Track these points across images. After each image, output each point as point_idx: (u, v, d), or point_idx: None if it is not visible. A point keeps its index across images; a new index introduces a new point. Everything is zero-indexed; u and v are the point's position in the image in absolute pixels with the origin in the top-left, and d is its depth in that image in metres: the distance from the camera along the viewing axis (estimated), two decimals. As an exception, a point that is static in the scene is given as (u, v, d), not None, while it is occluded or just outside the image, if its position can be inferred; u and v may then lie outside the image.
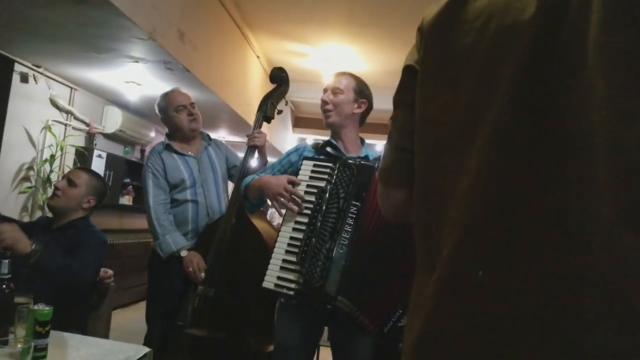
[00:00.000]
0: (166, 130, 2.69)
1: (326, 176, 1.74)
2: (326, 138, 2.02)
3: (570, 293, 0.59)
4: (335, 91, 1.98)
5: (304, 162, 1.83)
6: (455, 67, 0.74)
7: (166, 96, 2.62)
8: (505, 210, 0.66)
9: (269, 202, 1.92)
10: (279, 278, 1.67)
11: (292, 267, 1.67)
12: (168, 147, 2.55)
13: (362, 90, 2.02)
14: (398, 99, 0.88)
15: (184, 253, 2.34)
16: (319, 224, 1.67)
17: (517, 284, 0.63)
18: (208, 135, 2.73)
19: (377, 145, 8.70)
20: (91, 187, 2.22)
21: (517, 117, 0.65)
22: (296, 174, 1.84)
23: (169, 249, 2.35)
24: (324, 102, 1.98)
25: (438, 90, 0.77)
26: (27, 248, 1.85)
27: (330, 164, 1.76)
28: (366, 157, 1.92)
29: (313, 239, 1.66)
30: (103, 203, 2.28)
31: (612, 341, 0.57)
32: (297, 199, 1.74)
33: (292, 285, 1.64)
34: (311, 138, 7.90)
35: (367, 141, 2.10)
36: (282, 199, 1.76)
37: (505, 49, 0.68)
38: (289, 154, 2.02)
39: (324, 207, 1.69)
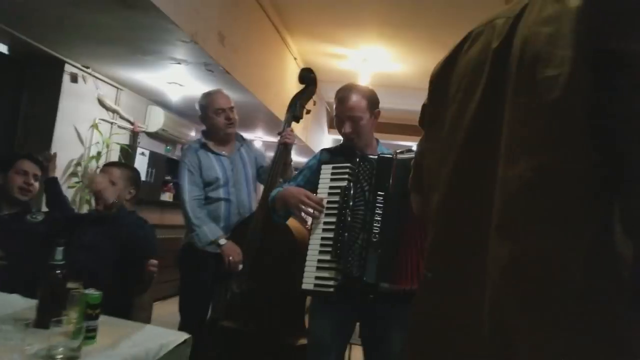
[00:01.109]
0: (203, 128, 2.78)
1: (346, 176, 1.81)
2: None
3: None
4: (352, 119, 1.96)
5: (323, 167, 1.90)
6: (443, 112, 0.97)
7: (208, 96, 2.70)
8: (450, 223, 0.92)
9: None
10: (317, 278, 1.75)
11: (328, 265, 1.75)
12: (204, 146, 2.65)
13: (373, 102, 2.01)
14: (420, 124, 1.11)
15: (222, 241, 2.42)
16: (348, 218, 1.75)
17: (454, 283, 0.89)
18: (241, 136, 2.81)
19: (413, 146, 8.67)
20: (128, 179, 2.32)
21: (464, 160, 0.90)
22: (318, 178, 1.91)
23: (206, 239, 2.44)
24: (347, 135, 1.97)
25: (432, 127, 1.02)
26: (112, 198, 2.15)
27: (348, 164, 1.83)
28: (383, 154, 1.97)
29: (345, 234, 1.74)
30: (145, 199, 2.40)
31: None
32: (317, 204, 1.81)
33: (331, 283, 1.72)
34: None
35: (399, 142, 2.14)
36: (303, 207, 1.84)
37: (467, 103, 0.91)
38: (308, 163, 2.09)
39: (350, 203, 1.77)
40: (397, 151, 2.04)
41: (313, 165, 2.03)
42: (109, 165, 2.47)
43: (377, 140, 2.12)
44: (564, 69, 0.72)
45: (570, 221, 0.72)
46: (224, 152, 2.66)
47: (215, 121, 2.64)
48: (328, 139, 8.41)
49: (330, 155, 2.02)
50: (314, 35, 5.38)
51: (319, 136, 7.84)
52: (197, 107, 2.73)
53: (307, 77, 2.48)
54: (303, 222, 2.39)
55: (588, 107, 0.71)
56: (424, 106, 1.07)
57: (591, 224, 0.70)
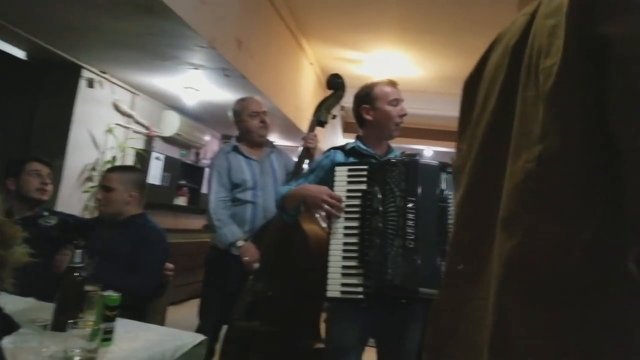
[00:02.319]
0: (221, 133, 2.82)
1: (365, 178, 1.78)
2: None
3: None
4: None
5: (337, 168, 1.85)
6: (470, 115, 0.99)
7: (242, 101, 2.78)
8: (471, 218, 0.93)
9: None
10: (343, 285, 1.71)
11: (355, 271, 1.71)
12: (235, 149, 2.70)
13: None
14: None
15: (240, 243, 2.45)
16: (380, 224, 1.71)
17: (469, 280, 0.89)
18: (272, 143, 2.85)
19: (425, 150, 8.63)
20: (126, 182, 2.29)
21: (482, 157, 0.92)
22: (330, 180, 1.88)
23: (226, 240, 2.48)
24: (404, 115, 1.98)
25: (461, 129, 1.04)
26: (111, 206, 2.23)
27: (366, 167, 1.79)
28: (396, 157, 1.96)
29: (377, 240, 1.70)
30: (159, 204, 2.40)
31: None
32: (339, 204, 1.78)
33: (360, 289, 1.69)
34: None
35: (418, 147, 2.14)
36: (326, 206, 1.79)
37: (487, 104, 0.93)
38: (319, 162, 2.04)
39: (380, 208, 1.73)
40: (405, 153, 2.04)
41: (326, 165, 1.99)
42: (107, 171, 2.48)
43: (389, 144, 2.10)
44: (558, 56, 0.73)
45: (571, 211, 0.72)
46: (254, 157, 2.71)
47: (249, 124, 2.69)
48: (342, 143, 8.39)
49: (345, 155, 1.99)
50: (330, 40, 5.39)
51: (333, 140, 7.83)
52: (230, 113, 2.80)
53: (335, 82, 2.48)
54: (317, 222, 2.38)
55: (585, 92, 0.71)
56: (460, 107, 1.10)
57: (593, 213, 0.70)
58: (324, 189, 1.84)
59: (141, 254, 2.14)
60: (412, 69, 5.82)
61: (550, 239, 0.72)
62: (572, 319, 0.70)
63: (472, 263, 0.90)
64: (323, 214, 1.88)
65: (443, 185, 1.76)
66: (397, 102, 1.97)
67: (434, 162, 1.83)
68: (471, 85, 1.02)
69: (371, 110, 1.99)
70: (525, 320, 0.73)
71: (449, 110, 7.61)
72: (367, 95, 2.01)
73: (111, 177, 2.31)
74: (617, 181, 0.68)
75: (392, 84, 2.03)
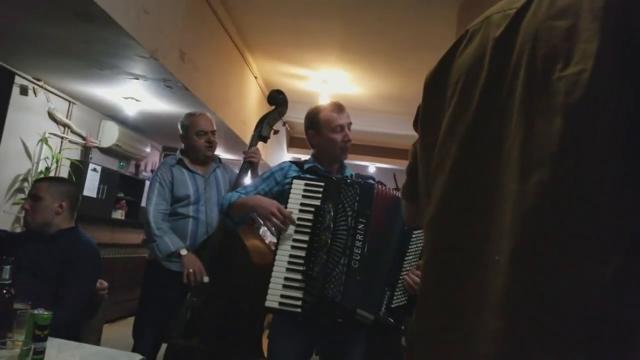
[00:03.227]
0: (162, 145, 2.76)
1: (320, 195, 1.80)
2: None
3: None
4: (349, 127, 2.03)
5: (295, 181, 1.86)
6: (438, 117, 0.88)
7: (192, 117, 2.70)
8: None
9: (260, 219, 1.97)
10: (282, 296, 1.71)
11: (297, 284, 1.71)
12: (180, 162, 2.64)
13: None
14: (414, 128, 1.02)
15: (184, 252, 2.37)
16: (329, 241, 1.73)
17: (448, 302, 0.79)
18: (219, 158, 2.82)
19: (369, 167, 8.81)
20: (55, 192, 2.19)
21: (461, 169, 0.81)
22: (283, 193, 1.90)
23: (167, 249, 2.39)
24: (348, 140, 2.01)
25: (425, 134, 0.94)
26: (38, 217, 2.13)
27: (322, 183, 1.82)
28: (351, 177, 2.00)
29: (324, 256, 1.71)
30: (96, 217, 2.31)
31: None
32: (289, 220, 1.79)
33: (298, 303, 1.69)
34: (306, 158, 7.97)
35: (360, 163, 2.18)
36: (275, 220, 1.80)
37: (464, 106, 0.82)
38: (272, 172, 2.03)
39: (331, 225, 1.74)
40: (359, 174, 2.09)
41: (278, 177, 1.99)
42: (37, 180, 2.39)
43: (342, 163, 2.12)
44: (588, 64, 0.63)
45: (595, 244, 0.63)
46: (199, 171, 2.66)
47: (195, 142, 2.64)
48: (287, 158, 8.43)
49: (300, 171, 1.99)
50: (275, 56, 5.44)
51: (279, 155, 7.86)
52: (179, 126, 2.73)
53: (277, 98, 2.49)
54: (258, 236, 2.38)
55: (618, 109, 0.62)
56: (418, 108, 0.98)
57: (618, 243, 0.62)
58: (275, 202, 1.84)
59: (69, 273, 2.04)
60: (353, 86, 5.96)
61: (580, 273, 0.63)
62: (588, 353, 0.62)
63: (448, 285, 0.80)
64: (272, 228, 1.87)
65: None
66: (341, 128, 1.99)
67: (393, 192, 1.86)
68: (435, 83, 0.92)
69: (317, 135, 2.02)
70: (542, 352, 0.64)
71: (390, 128, 7.89)
72: (312, 121, 2.04)
73: (40, 185, 2.21)
74: None
75: (339, 108, 2.04)
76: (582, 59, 0.64)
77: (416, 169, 0.97)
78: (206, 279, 2.24)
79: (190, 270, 2.28)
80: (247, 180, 2.50)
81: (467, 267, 0.77)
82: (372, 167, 8.59)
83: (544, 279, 0.65)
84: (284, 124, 2.57)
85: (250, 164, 2.45)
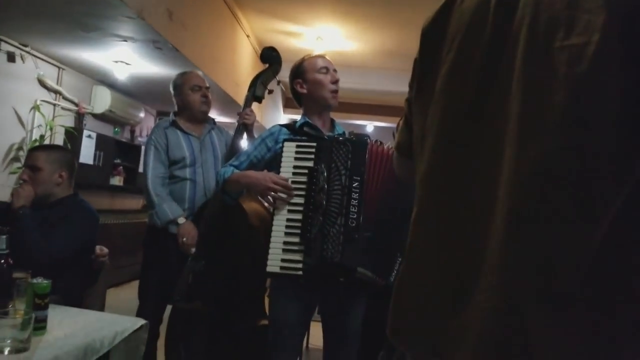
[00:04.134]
0: (156, 110, 2.71)
1: (312, 155, 1.77)
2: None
3: None
4: (335, 70, 2.00)
5: (286, 144, 1.82)
6: (434, 72, 0.86)
7: (184, 74, 2.67)
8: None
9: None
10: (283, 260, 1.70)
11: (296, 247, 1.70)
12: (174, 124, 2.60)
13: None
14: (410, 84, 0.99)
15: (181, 220, 2.37)
16: (324, 202, 1.70)
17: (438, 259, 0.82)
18: (213, 120, 2.77)
19: (367, 126, 8.73)
20: (54, 161, 2.16)
21: (459, 131, 0.81)
22: (275, 158, 1.86)
23: (165, 217, 2.39)
24: (337, 82, 1.97)
25: (421, 88, 0.91)
26: (38, 188, 2.09)
27: (314, 144, 1.78)
28: (343, 134, 1.96)
29: (320, 217, 1.69)
30: (94, 184, 2.28)
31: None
32: (286, 188, 1.76)
33: (299, 265, 1.68)
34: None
35: (358, 122, 2.14)
36: (272, 193, 1.77)
37: (464, 64, 0.81)
38: (263, 139, 1.99)
39: (325, 186, 1.72)
40: (353, 132, 2.04)
41: (269, 142, 1.95)
42: (32, 149, 2.31)
43: (333, 120, 2.09)
44: (593, 37, 0.63)
45: (591, 210, 0.65)
46: (193, 133, 2.62)
47: (190, 98, 2.60)
48: (284, 119, 8.34)
49: (291, 133, 1.95)
50: (267, 12, 5.28)
51: (274, 116, 7.76)
52: (171, 87, 2.68)
53: (270, 55, 2.41)
54: (257, 199, 2.36)
55: (622, 84, 0.63)
56: (414, 62, 0.96)
57: (610, 210, 0.64)
58: (267, 175, 1.81)
59: (65, 224, 2.05)
60: (351, 42, 5.81)
61: (576, 238, 0.65)
62: (599, 332, 0.65)
63: (444, 247, 0.81)
64: (272, 201, 1.83)
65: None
66: (326, 69, 1.98)
67: (390, 148, 1.81)
68: (432, 35, 0.89)
69: (304, 83, 2.00)
70: (540, 320, 0.66)
71: (388, 85, 7.75)
72: (297, 70, 2.02)
73: (37, 155, 2.16)
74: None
75: (321, 55, 2.06)
76: (586, 31, 0.64)
77: (411, 123, 0.96)
78: (192, 250, 2.26)
79: (184, 239, 2.30)
80: (244, 142, 2.46)
81: (460, 224, 0.78)
82: (370, 126, 8.50)
83: (537, 239, 0.67)
84: (278, 83, 2.50)
85: (245, 125, 2.40)
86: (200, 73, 2.74)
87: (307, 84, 1.99)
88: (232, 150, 2.37)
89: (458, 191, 0.80)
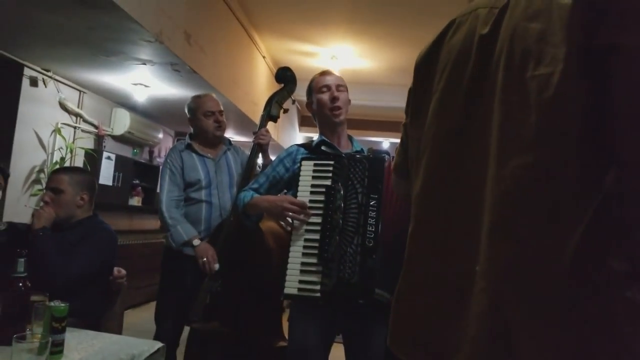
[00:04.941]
0: (174, 130, 2.74)
1: (330, 174, 1.74)
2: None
3: None
4: (339, 88, 1.99)
5: (303, 163, 1.81)
6: (426, 100, 0.96)
7: (198, 98, 2.69)
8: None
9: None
10: (300, 282, 1.67)
11: (314, 268, 1.66)
12: (189, 147, 2.62)
13: (347, 89, 2.06)
14: (406, 111, 1.08)
15: (196, 242, 2.36)
16: (340, 221, 1.68)
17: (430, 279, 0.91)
18: (229, 140, 2.79)
19: (383, 142, 8.71)
20: (76, 184, 2.18)
21: (448, 153, 0.90)
22: (294, 178, 1.84)
23: (180, 239, 2.39)
24: (335, 99, 1.96)
25: (416, 114, 1.01)
26: (60, 211, 2.11)
27: (332, 162, 1.76)
28: (361, 151, 1.94)
29: (337, 237, 1.66)
30: (113, 205, 2.29)
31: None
32: (303, 210, 1.73)
33: (317, 287, 1.64)
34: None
35: (374, 139, 2.12)
36: (290, 214, 1.74)
37: (452, 92, 0.90)
38: (281, 159, 1.98)
39: (342, 205, 1.69)
40: (371, 148, 2.03)
41: (287, 163, 1.96)
42: (55, 172, 2.33)
43: (351, 137, 2.08)
44: (557, 67, 0.72)
45: (563, 218, 0.73)
46: (209, 155, 2.64)
47: (204, 123, 2.62)
48: (299, 137, 8.37)
49: (309, 152, 1.94)
50: (283, 33, 5.34)
51: (290, 134, 7.80)
52: (186, 110, 2.72)
53: (285, 75, 2.43)
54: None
55: (582, 105, 0.71)
56: (409, 91, 1.05)
57: (583, 219, 0.71)
58: (284, 198, 1.80)
59: (83, 245, 2.05)
60: (364, 61, 5.84)
61: (547, 244, 0.73)
62: (565, 312, 0.71)
63: (439, 259, 0.89)
64: (291, 222, 1.81)
65: None
66: (327, 88, 1.98)
67: None
68: (424, 67, 0.99)
69: (312, 103, 2.03)
70: (525, 319, 0.73)
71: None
72: (308, 90, 2.06)
73: (60, 178, 2.18)
74: (604, 186, 0.70)
75: (325, 72, 2.07)
76: (552, 62, 0.73)
77: (407, 146, 1.06)
78: (216, 267, 2.24)
79: (204, 259, 2.29)
80: (259, 162, 2.46)
81: (453, 237, 0.87)
82: (386, 142, 8.49)
83: (516, 248, 0.75)
84: (293, 102, 2.51)
85: (260, 145, 2.41)
86: (214, 95, 2.77)
87: (314, 104, 2.02)
88: (248, 170, 2.37)
89: (450, 207, 0.88)
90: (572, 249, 0.71)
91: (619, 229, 0.72)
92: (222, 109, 2.69)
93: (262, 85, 6.00)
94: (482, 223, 0.80)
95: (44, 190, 2.27)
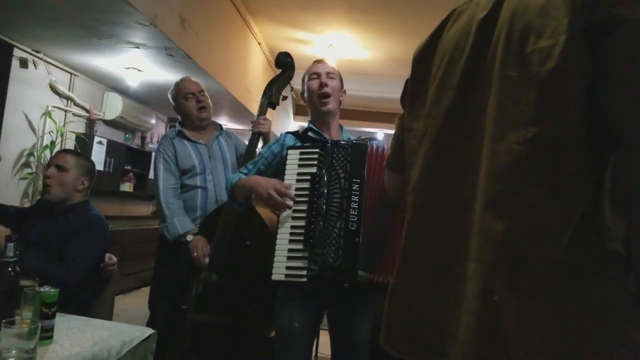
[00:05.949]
0: (167, 116, 2.71)
1: (315, 162, 1.75)
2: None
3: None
4: (330, 75, 1.98)
5: (289, 151, 1.81)
6: (425, 90, 0.97)
7: (176, 85, 2.67)
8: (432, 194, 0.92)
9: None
10: (287, 268, 1.67)
11: (300, 254, 1.67)
12: (180, 134, 2.59)
13: (341, 79, 2.05)
14: (401, 104, 1.09)
15: (189, 237, 2.35)
16: (324, 207, 1.69)
17: (432, 261, 0.90)
18: (220, 125, 2.76)
19: (378, 133, 8.69)
20: (81, 168, 2.17)
21: (445, 136, 0.90)
22: (282, 164, 1.85)
23: (175, 232, 2.37)
24: (323, 85, 1.95)
25: (414, 105, 1.01)
26: (62, 189, 2.09)
27: (317, 150, 1.77)
28: (348, 139, 1.93)
29: (320, 222, 1.67)
30: (104, 190, 2.26)
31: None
32: (289, 195, 1.74)
33: (304, 272, 1.65)
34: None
35: (368, 129, 2.11)
36: (275, 197, 1.75)
37: (449, 79, 0.90)
38: (269, 146, 2.00)
39: (325, 190, 1.70)
40: (362, 138, 2.01)
41: (275, 149, 1.96)
42: (63, 151, 2.31)
43: (341, 126, 2.07)
44: (560, 39, 0.72)
45: (562, 195, 0.72)
46: (201, 140, 2.61)
47: (186, 107, 2.60)
48: (294, 126, 8.33)
49: (297, 139, 1.95)
50: (279, 20, 5.28)
51: (285, 123, 7.76)
52: (170, 99, 2.69)
53: (284, 61, 2.38)
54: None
55: (583, 76, 0.71)
56: (406, 82, 1.05)
57: (582, 198, 0.71)
58: (272, 181, 1.80)
59: (74, 244, 2.01)
60: (362, 50, 5.79)
61: (541, 223, 0.72)
62: (557, 294, 0.71)
63: (432, 245, 0.89)
64: (275, 208, 1.82)
65: None
66: (317, 75, 1.98)
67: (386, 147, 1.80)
68: (423, 58, 0.99)
69: (303, 92, 2.04)
70: (515, 297, 0.73)
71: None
72: (302, 79, 2.05)
73: (67, 157, 2.16)
74: (605, 163, 0.69)
75: (317, 61, 2.07)
76: (554, 34, 0.72)
77: (402, 140, 1.05)
78: (206, 260, 2.23)
79: (195, 254, 2.27)
80: (259, 149, 2.43)
81: (450, 224, 0.86)
82: (380, 133, 8.47)
83: (510, 225, 0.74)
84: (291, 90, 2.48)
85: (261, 134, 2.37)
86: (192, 78, 2.73)
87: (305, 92, 2.02)
88: (248, 159, 2.34)
89: (448, 194, 0.88)
90: (571, 229, 0.70)
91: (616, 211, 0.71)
92: (202, 89, 2.65)
93: (257, 72, 5.94)
94: (475, 206, 0.80)
95: (45, 167, 2.24)
